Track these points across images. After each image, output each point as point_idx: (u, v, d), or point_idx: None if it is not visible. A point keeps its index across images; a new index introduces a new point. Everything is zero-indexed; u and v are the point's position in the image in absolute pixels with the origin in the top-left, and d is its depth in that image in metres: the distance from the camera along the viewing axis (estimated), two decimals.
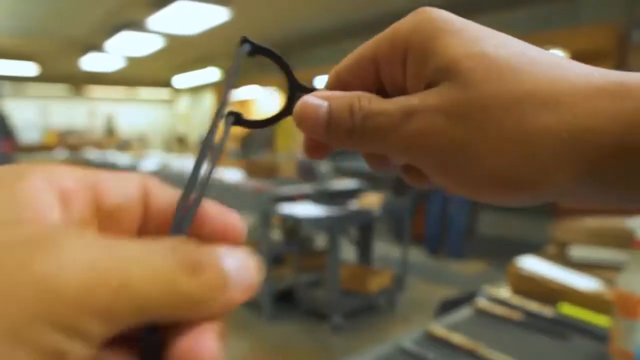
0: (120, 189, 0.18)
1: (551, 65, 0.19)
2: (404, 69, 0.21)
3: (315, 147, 0.24)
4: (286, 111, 0.23)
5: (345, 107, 0.21)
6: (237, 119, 0.23)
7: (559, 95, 0.18)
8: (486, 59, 0.19)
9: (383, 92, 0.22)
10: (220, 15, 4.95)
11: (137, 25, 5.63)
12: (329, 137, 0.21)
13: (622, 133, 0.17)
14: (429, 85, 0.20)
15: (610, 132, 0.17)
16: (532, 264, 1.25)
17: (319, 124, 0.21)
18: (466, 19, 0.21)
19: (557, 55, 0.20)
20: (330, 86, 0.23)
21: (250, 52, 0.25)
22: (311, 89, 0.24)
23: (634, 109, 0.17)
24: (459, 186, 0.20)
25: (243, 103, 10.76)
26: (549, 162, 0.18)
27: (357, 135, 0.21)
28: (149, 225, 0.19)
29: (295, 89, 0.24)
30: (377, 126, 0.20)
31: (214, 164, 0.20)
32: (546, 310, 1.06)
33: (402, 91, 0.21)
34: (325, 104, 0.21)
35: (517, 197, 0.19)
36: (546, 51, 0.19)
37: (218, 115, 0.21)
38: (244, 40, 0.24)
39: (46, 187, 0.16)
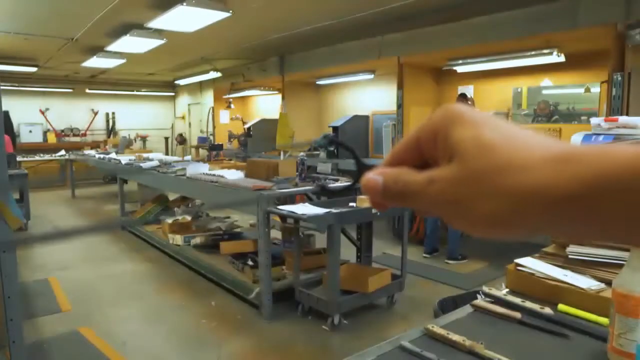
0: None
1: (523, 141, 0.27)
2: (436, 146, 0.31)
3: (379, 205, 0.34)
4: (356, 183, 0.34)
5: (392, 180, 0.31)
6: (323, 188, 0.39)
7: (525, 162, 0.26)
8: (480, 140, 0.28)
9: (426, 163, 0.32)
10: (221, 16, 4.96)
11: (137, 25, 5.63)
12: (384, 199, 0.32)
13: (570, 186, 0.24)
14: (450, 157, 0.29)
15: (561, 185, 0.25)
16: (531, 263, 1.25)
17: (377, 191, 0.32)
18: (476, 111, 0.30)
19: (531, 133, 0.28)
20: (387, 162, 0.34)
21: (329, 142, 0.47)
22: (371, 166, 0.35)
23: (573, 171, 0.25)
24: (467, 227, 0.29)
25: (245, 99, 10.77)
26: (521, 209, 0.26)
27: (400, 197, 0.31)
28: None
29: (362, 168, 0.35)
30: (412, 190, 0.30)
31: None
32: (545, 310, 1.06)
33: (437, 161, 0.31)
34: (380, 178, 0.32)
35: (505, 234, 0.28)
36: (524, 130, 0.28)
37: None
38: (326, 135, 0.34)
39: None
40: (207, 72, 9.16)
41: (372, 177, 0.32)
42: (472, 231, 0.29)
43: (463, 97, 4.79)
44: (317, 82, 8.12)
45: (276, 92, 8.79)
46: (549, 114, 5.45)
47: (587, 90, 5.07)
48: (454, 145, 0.29)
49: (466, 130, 0.29)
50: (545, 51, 4.72)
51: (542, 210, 0.26)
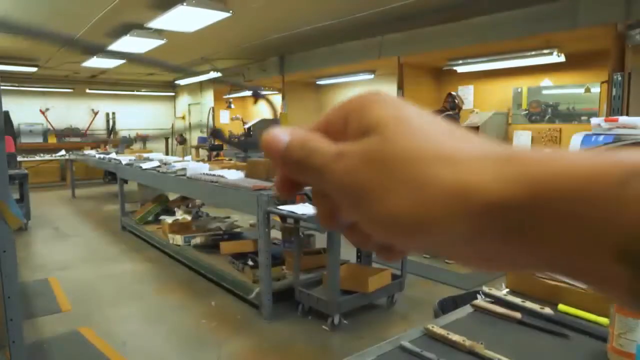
0: None
1: (454, 134, 0.23)
2: (345, 129, 0.26)
3: (286, 187, 0.28)
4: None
5: (299, 143, 0.26)
6: (217, 133, 0.30)
7: (454, 156, 0.22)
8: (405, 121, 0.23)
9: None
10: (221, 16, 4.96)
11: (137, 25, 5.64)
12: (283, 164, 0.26)
13: (501, 190, 0.20)
14: (365, 134, 0.24)
15: (492, 189, 0.20)
16: None
17: (277, 151, 0.26)
18: (398, 97, 0.26)
19: (464, 130, 0.24)
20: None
21: (254, 94, 0.32)
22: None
23: (513, 172, 0.20)
24: (366, 224, 0.24)
25: (245, 99, 10.78)
26: (440, 210, 0.21)
27: (302, 167, 0.26)
28: None
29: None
30: (317, 162, 0.25)
31: None
32: (545, 310, 1.06)
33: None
34: (287, 137, 0.26)
35: (408, 242, 0.23)
36: (453, 125, 0.24)
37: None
38: (258, 88, 0.32)
39: None
40: (207, 72, 9.16)
41: (277, 133, 0.26)
42: (371, 230, 0.24)
43: (450, 96, 4.89)
44: (317, 82, 8.12)
45: (276, 92, 8.80)
46: (541, 112, 5.45)
47: (587, 90, 5.08)
48: (372, 121, 0.24)
49: (388, 109, 0.24)
50: (545, 51, 4.73)
51: (466, 217, 0.21)
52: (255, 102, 7.40)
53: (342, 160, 0.24)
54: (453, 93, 4.98)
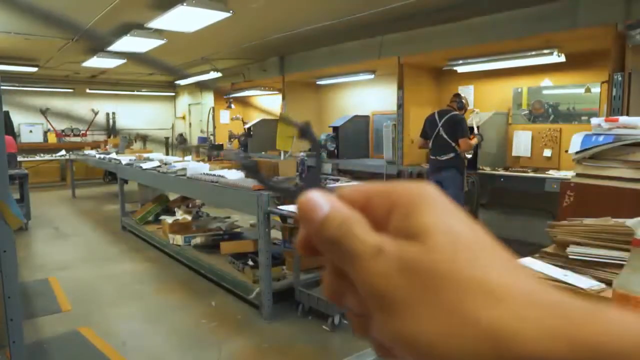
0: None
1: (506, 263, 0.21)
2: (389, 219, 0.24)
3: (307, 250, 0.26)
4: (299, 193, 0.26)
5: (339, 218, 0.23)
6: (257, 175, 0.32)
7: (503, 294, 0.20)
8: (453, 235, 0.22)
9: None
10: (221, 16, 4.96)
11: (137, 25, 5.63)
12: (315, 234, 0.24)
13: (539, 344, 0.19)
14: (409, 236, 0.22)
15: (529, 340, 0.19)
16: (531, 263, 1.25)
17: (314, 221, 0.24)
18: (449, 202, 0.24)
19: (513, 257, 0.22)
20: (339, 195, 0.26)
21: (302, 130, 0.32)
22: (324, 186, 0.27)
23: (554, 325, 0.19)
24: (389, 334, 0.22)
25: (245, 99, 10.76)
26: (469, 348, 0.19)
27: (335, 246, 0.23)
28: None
29: (315, 182, 0.27)
30: (352, 248, 0.23)
31: None
32: None
33: (383, 231, 0.24)
34: (327, 207, 0.24)
35: None
36: (504, 250, 0.22)
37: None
38: (307, 124, 0.32)
39: None
40: (207, 72, 9.16)
41: (318, 198, 0.24)
42: (385, 339, 0.22)
43: (457, 97, 4.86)
44: (317, 82, 8.11)
45: (276, 92, 8.80)
46: (544, 113, 5.44)
47: (588, 90, 5.07)
48: (418, 225, 0.22)
49: (437, 216, 0.23)
50: (545, 51, 4.72)
51: None
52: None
53: (379, 258, 0.22)
54: (460, 93, 4.92)
